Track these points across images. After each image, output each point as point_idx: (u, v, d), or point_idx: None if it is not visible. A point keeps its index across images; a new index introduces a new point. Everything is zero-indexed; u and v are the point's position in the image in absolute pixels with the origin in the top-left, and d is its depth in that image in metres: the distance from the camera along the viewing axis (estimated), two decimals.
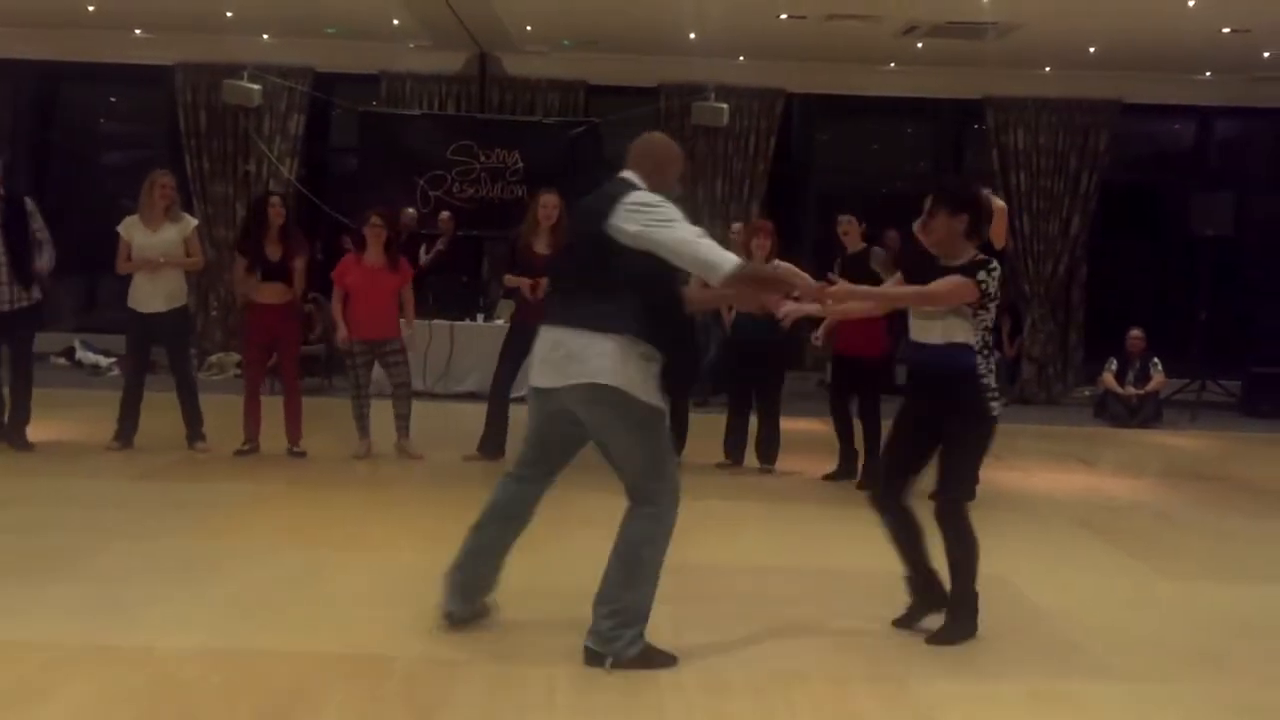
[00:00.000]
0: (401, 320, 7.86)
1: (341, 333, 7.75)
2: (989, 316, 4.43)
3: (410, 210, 11.75)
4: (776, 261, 7.79)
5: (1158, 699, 4.12)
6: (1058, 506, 7.33)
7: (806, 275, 7.78)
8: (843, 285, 4.54)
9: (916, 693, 4.05)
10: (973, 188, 4.67)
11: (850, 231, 7.63)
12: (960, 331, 4.41)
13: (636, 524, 4.12)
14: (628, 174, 4.21)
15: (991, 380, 4.45)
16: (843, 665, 4.28)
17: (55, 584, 4.80)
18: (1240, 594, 5.53)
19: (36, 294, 7.51)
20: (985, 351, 4.44)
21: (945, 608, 4.57)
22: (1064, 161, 12.56)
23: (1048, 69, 12.31)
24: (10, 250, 7.28)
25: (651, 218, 3.98)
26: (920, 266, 4.60)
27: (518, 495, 4.40)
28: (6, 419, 7.55)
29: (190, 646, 4.17)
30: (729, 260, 3.91)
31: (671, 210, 4.04)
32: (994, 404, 4.46)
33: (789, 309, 4.43)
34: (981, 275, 4.36)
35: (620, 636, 4.07)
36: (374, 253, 7.74)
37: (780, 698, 3.94)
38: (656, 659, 4.14)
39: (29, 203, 7.46)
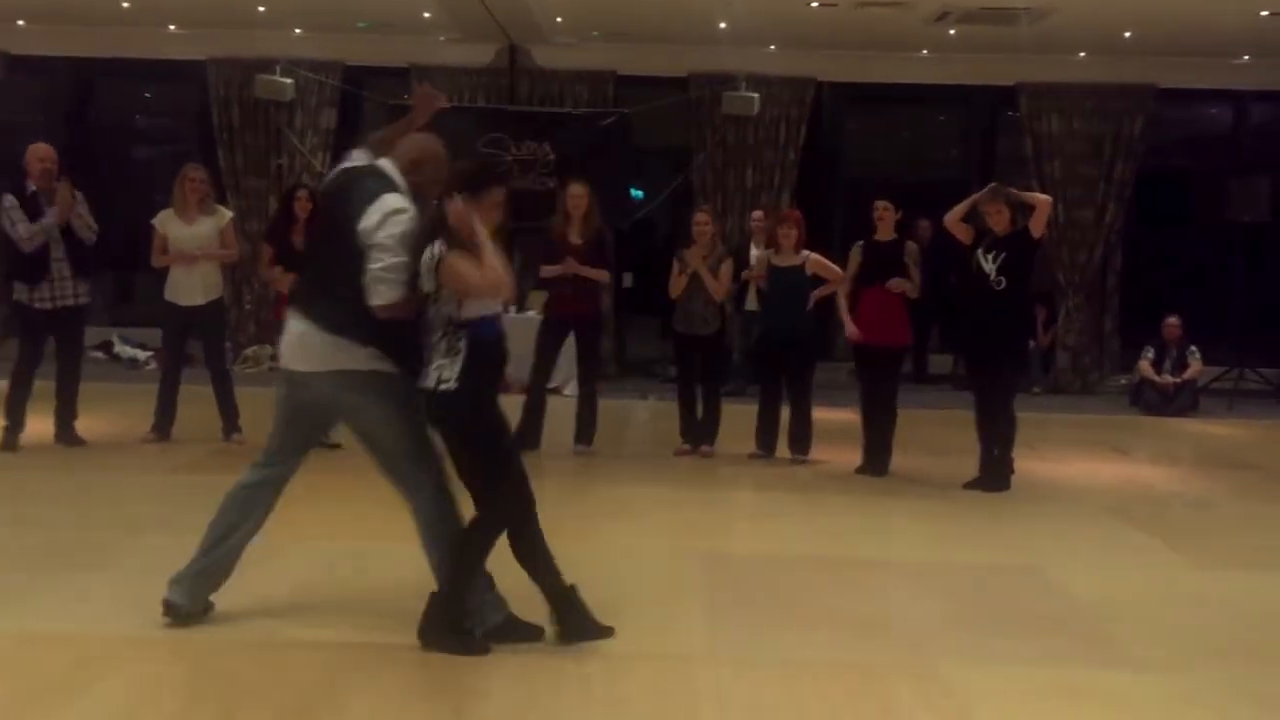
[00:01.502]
0: None
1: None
2: None
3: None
4: (808, 253, 7.80)
5: (1193, 690, 4.09)
6: (1092, 496, 7.28)
7: (835, 266, 7.81)
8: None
9: (950, 682, 4.04)
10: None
11: (885, 217, 7.58)
12: None
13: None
14: (386, 165, 4.25)
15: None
16: (875, 655, 4.28)
17: (93, 577, 4.86)
18: (1276, 583, 5.47)
19: (88, 291, 7.59)
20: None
21: None
22: (1098, 148, 12.41)
23: (1082, 54, 12.18)
24: (70, 246, 7.37)
25: (380, 230, 4.01)
26: None
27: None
28: (55, 417, 7.60)
29: (227, 638, 4.22)
30: (387, 296, 4.00)
31: (403, 229, 4.04)
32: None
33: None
34: None
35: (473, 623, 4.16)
36: None
37: (813, 688, 3.94)
38: (521, 631, 4.20)
39: (79, 196, 7.53)
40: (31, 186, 7.34)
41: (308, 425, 4.42)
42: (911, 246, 7.63)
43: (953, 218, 7.17)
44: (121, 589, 4.70)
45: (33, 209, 7.29)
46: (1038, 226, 6.99)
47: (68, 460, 7.31)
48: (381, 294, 4.00)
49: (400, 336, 4.11)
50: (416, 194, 4.20)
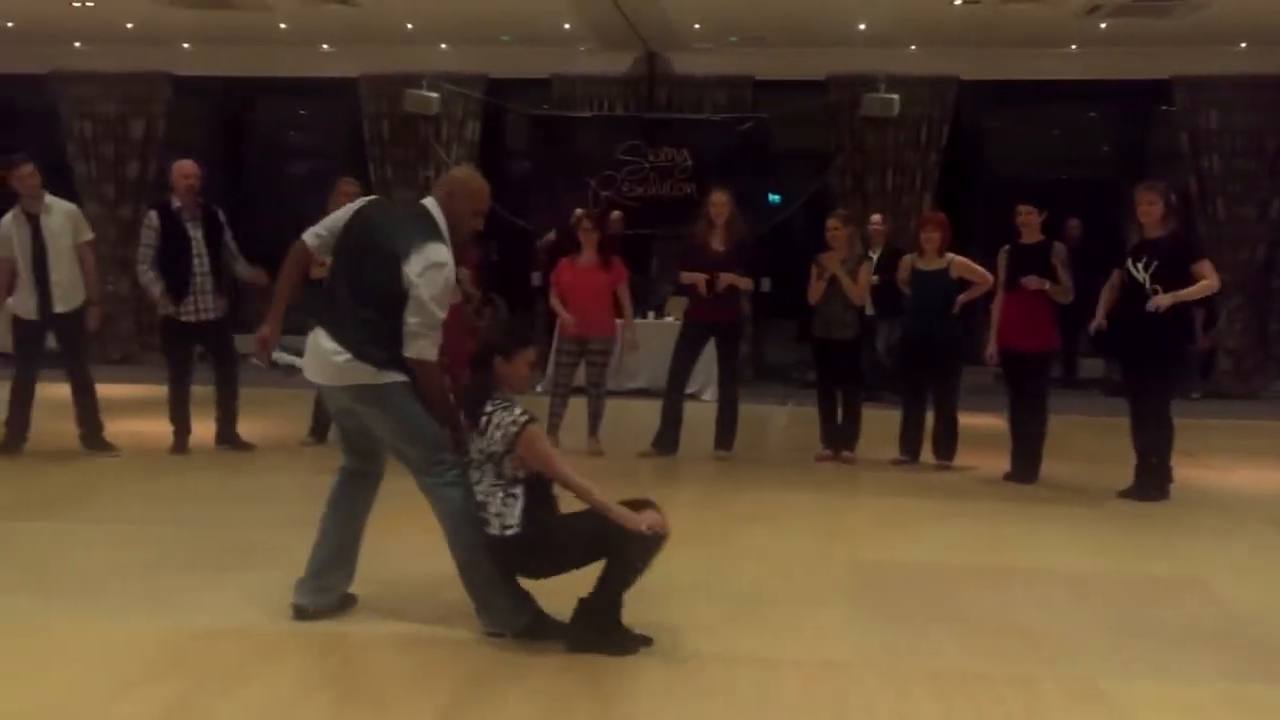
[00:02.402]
0: (619, 321, 8.14)
1: (564, 318, 8.03)
2: None
3: (617, 213, 11.86)
4: (952, 256, 7.64)
5: None
6: (1258, 506, 6.96)
7: (981, 269, 7.64)
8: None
9: (1108, 694, 3.91)
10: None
11: (1029, 222, 7.39)
12: None
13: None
14: (429, 203, 4.37)
15: None
16: (1029, 665, 4.17)
17: (255, 574, 5.07)
18: None
19: (227, 305, 7.87)
20: None
21: None
22: (1260, 142, 11.86)
23: (1242, 45, 11.65)
24: (214, 261, 7.65)
25: (428, 282, 4.14)
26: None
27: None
28: (217, 423, 7.93)
29: (381, 632, 4.36)
30: (422, 352, 4.19)
31: (445, 285, 4.20)
32: None
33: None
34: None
35: (505, 608, 4.25)
36: (588, 254, 8.05)
37: (965, 698, 3.87)
38: (551, 629, 4.24)
39: (221, 215, 7.82)
40: (176, 202, 7.56)
41: (352, 426, 4.52)
42: (1059, 248, 7.42)
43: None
44: (283, 586, 4.87)
45: (175, 226, 7.52)
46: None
47: (230, 463, 7.64)
48: (419, 349, 4.18)
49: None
50: (452, 225, 4.35)
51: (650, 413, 8.22)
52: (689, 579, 4.63)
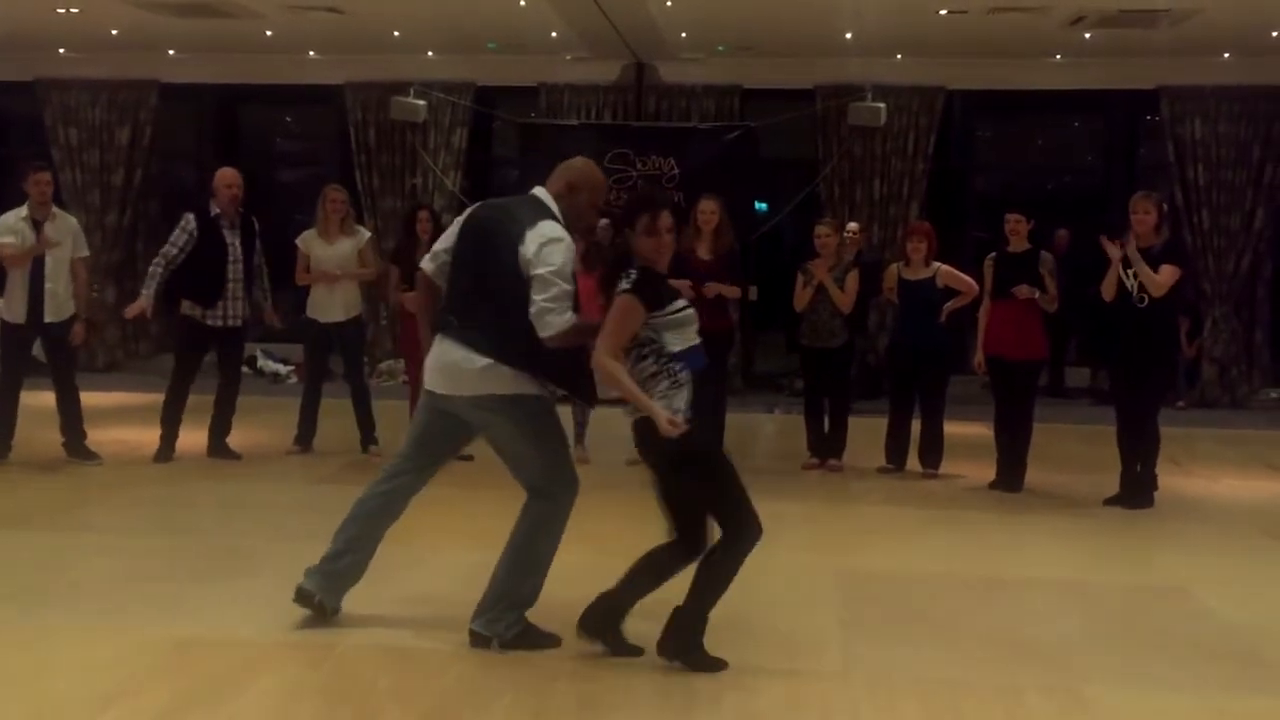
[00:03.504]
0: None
1: None
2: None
3: (605, 221, 11.87)
4: (939, 265, 7.66)
5: None
6: (1244, 515, 6.98)
7: (968, 277, 7.66)
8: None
9: (1091, 704, 3.93)
10: (661, 193, 4.32)
11: (1018, 230, 7.42)
12: None
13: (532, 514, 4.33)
14: (539, 192, 4.29)
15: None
16: (1013, 674, 4.18)
17: (242, 584, 5.06)
18: None
19: (248, 313, 7.87)
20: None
21: None
22: (1246, 152, 11.91)
23: (1227, 55, 11.71)
24: (247, 269, 7.68)
25: (545, 258, 4.04)
26: None
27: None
28: (209, 431, 7.89)
29: (368, 644, 4.34)
30: (556, 325, 4.03)
31: (565, 257, 4.08)
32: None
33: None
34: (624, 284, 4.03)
35: (503, 619, 4.23)
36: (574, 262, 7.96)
37: (950, 708, 3.87)
38: (539, 639, 4.26)
39: (257, 224, 7.82)
40: (215, 209, 7.59)
41: (443, 441, 4.51)
42: (1046, 257, 7.45)
43: (1107, 288, 6.95)
44: (271, 596, 4.87)
45: (213, 232, 7.55)
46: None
47: (218, 471, 7.60)
48: (550, 326, 4.04)
49: (562, 360, 4.17)
50: (570, 220, 4.27)
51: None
52: (677, 587, 4.60)
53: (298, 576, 5.17)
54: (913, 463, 7.82)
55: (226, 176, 7.62)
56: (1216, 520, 6.83)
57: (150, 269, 7.61)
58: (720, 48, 12.12)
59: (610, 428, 8.70)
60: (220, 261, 7.54)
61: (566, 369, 4.24)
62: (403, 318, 8.29)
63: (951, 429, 7.88)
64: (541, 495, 4.34)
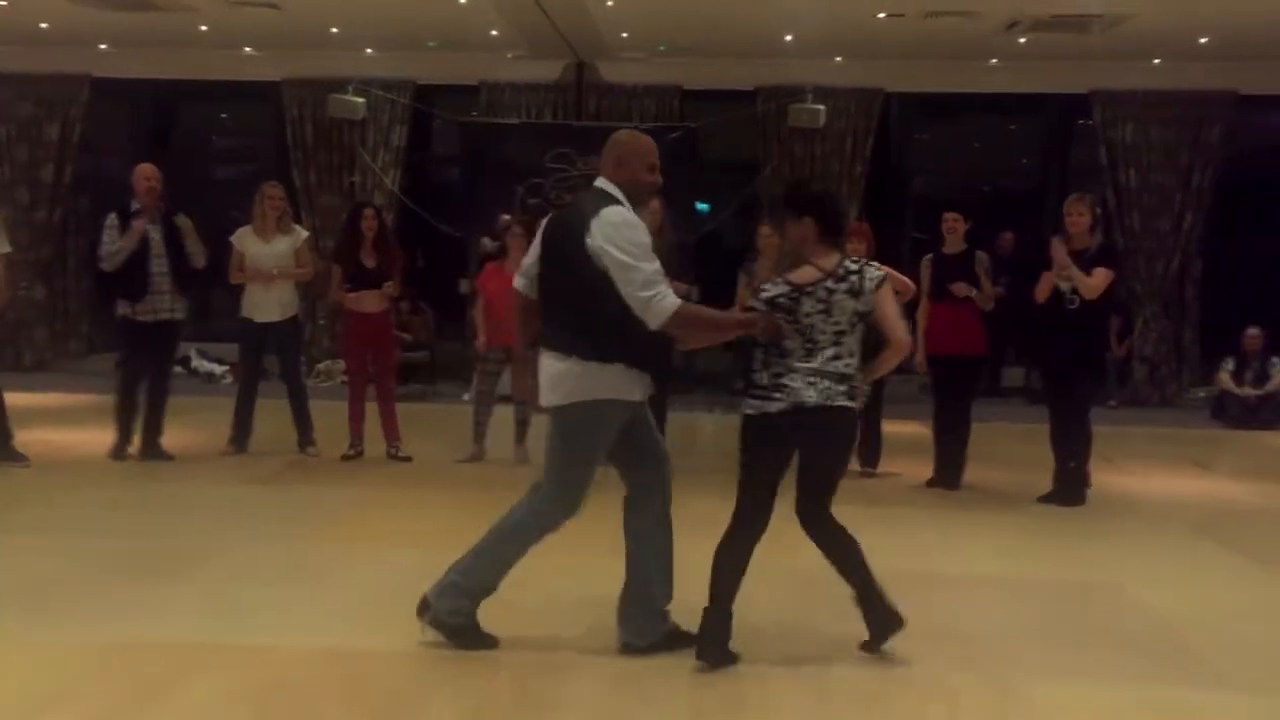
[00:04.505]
0: None
1: (480, 339, 7.93)
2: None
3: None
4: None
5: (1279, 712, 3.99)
6: (1173, 511, 7.13)
7: (904, 277, 7.74)
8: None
9: (1026, 698, 3.98)
10: (814, 188, 4.37)
11: (956, 229, 7.51)
12: None
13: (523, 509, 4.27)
14: (600, 182, 4.21)
15: (762, 377, 4.17)
16: (950, 669, 4.22)
17: (175, 586, 4.96)
18: None
19: (186, 307, 7.79)
20: (764, 350, 4.19)
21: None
22: (1176, 156, 12.19)
23: (1157, 61, 11.97)
24: (173, 262, 7.57)
25: (616, 243, 3.95)
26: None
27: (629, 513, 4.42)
28: (141, 431, 7.79)
29: (305, 647, 4.28)
30: (665, 312, 3.92)
31: (634, 235, 3.99)
32: (752, 401, 4.19)
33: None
34: (752, 301, 4.26)
35: (446, 598, 4.20)
36: (516, 260, 7.92)
37: (886, 703, 3.91)
38: (474, 639, 4.21)
39: (184, 220, 7.71)
40: (135, 204, 7.53)
41: (619, 444, 4.33)
42: (981, 256, 7.55)
43: (1041, 290, 7.05)
44: (205, 598, 4.80)
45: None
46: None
47: (151, 473, 7.47)
48: (657, 313, 3.92)
49: (649, 342, 4.06)
50: (633, 195, 4.16)
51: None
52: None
53: (234, 578, 5.11)
54: (851, 461, 7.87)
55: (145, 171, 7.58)
56: (1147, 516, 6.96)
57: (104, 262, 7.55)
58: (661, 48, 12.15)
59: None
60: (142, 256, 7.47)
61: (654, 351, 4.13)
62: (345, 317, 8.20)
63: (889, 428, 7.96)
64: (540, 497, 4.26)
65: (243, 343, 8.21)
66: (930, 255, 7.64)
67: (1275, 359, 10.77)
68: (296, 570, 5.27)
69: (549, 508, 4.24)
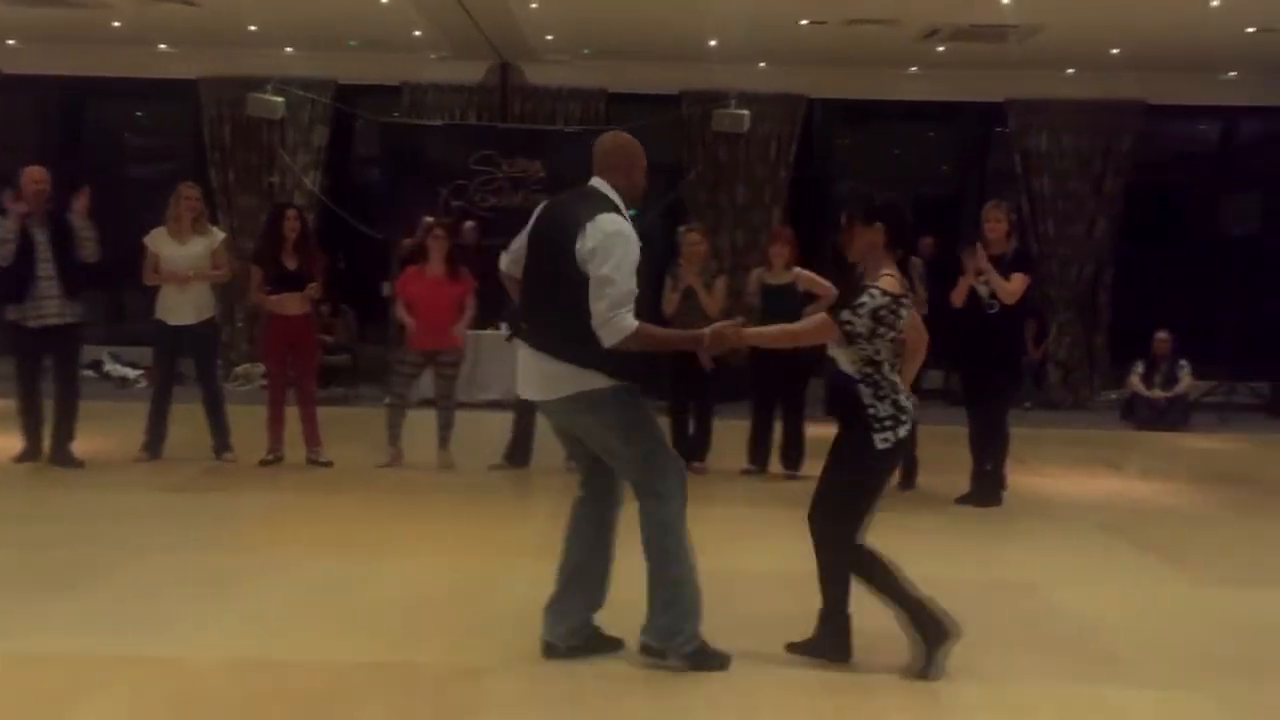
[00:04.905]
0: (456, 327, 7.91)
1: (410, 328, 7.83)
2: (870, 349, 4.11)
3: (471, 223, 11.75)
4: (798, 269, 7.80)
5: (1189, 706, 4.08)
6: (1086, 511, 7.28)
7: (826, 282, 7.83)
8: (739, 329, 4.26)
9: (945, 699, 4.03)
10: (887, 195, 4.44)
11: None
12: (844, 361, 4.20)
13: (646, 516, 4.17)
14: (598, 183, 4.18)
15: (881, 409, 4.15)
16: (868, 669, 4.26)
17: (81, 598, 4.83)
18: (1272, 598, 5.47)
19: (80, 311, 7.58)
20: (870, 381, 4.15)
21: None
22: (1088, 164, 12.47)
23: (1070, 71, 12.24)
24: (61, 265, 7.36)
25: (606, 253, 3.94)
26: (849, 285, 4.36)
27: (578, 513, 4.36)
28: (50, 436, 7.58)
29: (218, 657, 4.19)
30: (622, 331, 3.91)
31: (626, 251, 3.98)
32: (883, 434, 4.14)
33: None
34: (845, 314, 4.09)
35: (680, 632, 4.10)
36: (436, 263, 7.85)
37: (807, 704, 3.93)
38: (711, 660, 4.15)
39: (75, 221, 7.55)
40: (23, 207, 7.36)
41: (578, 442, 4.28)
42: (915, 262, 7.68)
43: (957, 295, 7.17)
44: (114, 610, 4.68)
45: (20, 231, 7.30)
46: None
47: (60, 479, 7.27)
48: (613, 332, 3.89)
49: (634, 356, 4.02)
50: (629, 197, 4.16)
51: (503, 425, 8.15)
52: (549, 588, 4.56)
53: (146, 588, 4.99)
54: (775, 464, 7.94)
55: (33, 174, 7.42)
56: (1062, 517, 7.10)
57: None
58: (586, 51, 12.13)
59: (476, 432, 8.66)
60: (28, 260, 7.30)
61: (638, 365, 4.08)
62: (265, 319, 8.06)
63: (813, 430, 8.02)
64: (646, 493, 4.15)
65: (157, 346, 8.02)
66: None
67: (1183, 362, 11.06)
68: (210, 580, 5.16)
69: (664, 489, 4.13)
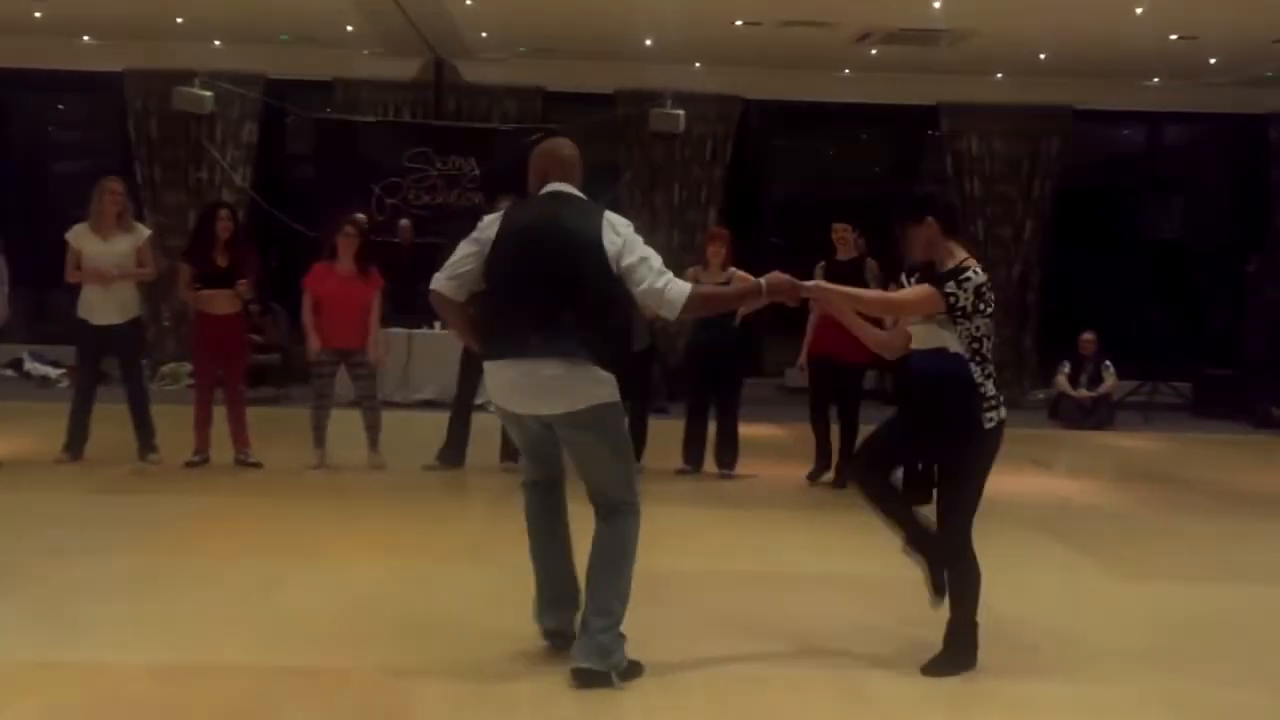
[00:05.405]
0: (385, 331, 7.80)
1: (313, 342, 7.66)
2: (971, 325, 4.19)
3: (406, 221, 11.64)
4: (734, 269, 7.84)
5: (1112, 700, 4.15)
6: (1013, 509, 7.37)
7: (787, 275, 7.88)
8: (821, 284, 4.38)
9: (874, 695, 4.06)
10: (923, 189, 4.54)
11: (845, 239, 7.82)
12: (945, 339, 4.22)
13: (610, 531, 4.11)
14: (567, 188, 4.15)
15: (989, 388, 4.23)
16: (801, 667, 4.29)
17: (4, 601, 4.70)
18: (1193, 593, 5.59)
19: None
20: (979, 360, 4.23)
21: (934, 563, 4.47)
22: (1017, 167, 12.68)
23: (1000, 76, 12.43)
24: None
25: (631, 242, 3.98)
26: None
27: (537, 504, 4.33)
28: None
29: (140, 662, 4.10)
30: (680, 296, 3.95)
31: (638, 238, 4.05)
32: (989, 414, 4.25)
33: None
34: (950, 286, 4.15)
35: (618, 647, 4.04)
36: (346, 261, 7.71)
37: (740, 703, 3.94)
38: (634, 667, 4.12)
39: None
40: None
41: (534, 440, 4.21)
42: (871, 264, 7.79)
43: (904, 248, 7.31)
44: (34, 613, 4.56)
45: None
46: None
47: None
48: (674, 299, 3.93)
49: (627, 362, 4.07)
50: None
51: (437, 425, 8.08)
52: (483, 592, 4.55)
53: (65, 592, 4.86)
54: (709, 464, 7.96)
55: None
56: (990, 515, 7.09)
57: None
58: (521, 49, 12.07)
59: (409, 432, 8.58)
60: None
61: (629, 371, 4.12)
62: (193, 317, 7.90)
63: (746, 430, 8.06)
64: (618, 506, 4.07)
65: (80, 346, 7.82)
66: (822, 262, 7.82)
67: (1108, 362, 11.27)
68: (133, 584, 5.04)
69: (636, 502, 4.12)
